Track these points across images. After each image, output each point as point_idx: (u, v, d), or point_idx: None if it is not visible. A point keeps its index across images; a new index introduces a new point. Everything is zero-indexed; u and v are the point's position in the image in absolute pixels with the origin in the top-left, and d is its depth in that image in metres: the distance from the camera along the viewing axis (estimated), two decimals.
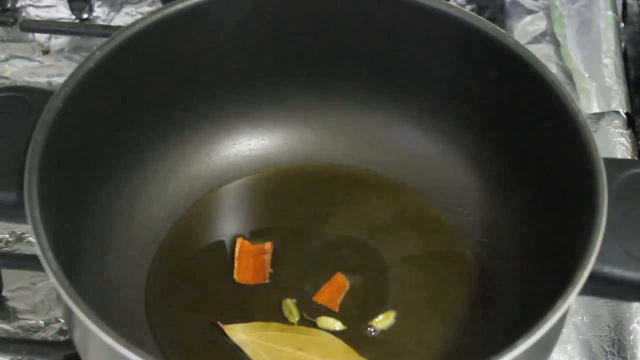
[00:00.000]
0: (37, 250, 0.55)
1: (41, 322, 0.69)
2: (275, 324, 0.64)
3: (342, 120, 0.72)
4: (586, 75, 0.84)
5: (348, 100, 0.72)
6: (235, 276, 0.66)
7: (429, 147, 0.71)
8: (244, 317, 0.64)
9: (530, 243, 0.65)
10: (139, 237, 0.67)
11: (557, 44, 0.86)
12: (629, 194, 0.60)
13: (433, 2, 0.66)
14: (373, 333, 0.65)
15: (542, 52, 0.84)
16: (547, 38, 0.86)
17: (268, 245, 0.68)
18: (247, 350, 0.63)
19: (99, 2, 0.89)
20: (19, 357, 0.67)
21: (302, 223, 0.69)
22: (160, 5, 0.87)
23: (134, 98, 0.66)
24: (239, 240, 0.67)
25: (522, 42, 0.76)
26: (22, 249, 0.73)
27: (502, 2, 0.88)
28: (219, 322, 0.63)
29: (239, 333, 0.63)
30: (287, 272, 0.67)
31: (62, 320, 0.69)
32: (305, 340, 0.63)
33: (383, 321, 0.65)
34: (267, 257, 0.67)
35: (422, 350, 0.64)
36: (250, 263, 0.67)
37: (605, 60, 0.84)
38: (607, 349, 0.68)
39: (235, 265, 0.66)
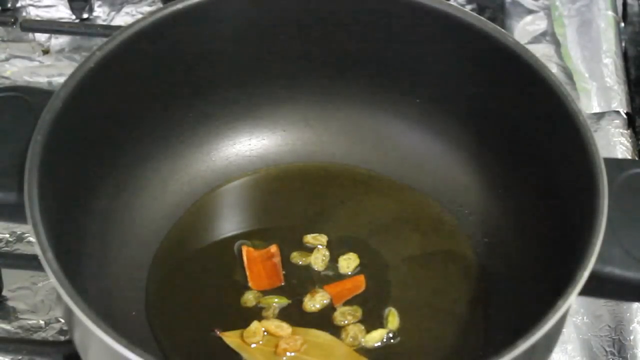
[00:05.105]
0: (37, 250, 0.55)
1: (41, 322, 0.69)
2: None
3: (342, 120, 0.72)
4: (586, 75, 0.83)
5: (348, 100, 0.72)
6: (250, 284, 0.66)
7: (429, 147, 0.71)
8: (244, 316, 0.64)
9: (530, 243, 0.65)
10: (139, 237, 0.67)
11: (557, 44, 0.86)
12: (629, 194, 0.60)
13: (433, 1, 0.66)
14: None
15: (542, 52, 0.84)
16: (547, 38, 0.86)
17: (274, 248, 0.67)
18: (246, 356, 0.62)
19: (99, 2, 0.89)
20: (19, 357, 0.67)
21: (303, 223, 0.69)
22: (160, 5, 0.87)
23: (134, 98, 0.66)
24: (244, 248, 0.67)
25: (522, 42, 0.76)
26: (22, 249, 0.73)
27: (502, 2, 0.88)
28: (216, 330, 0.63)
29: (236, 338, 0.63)
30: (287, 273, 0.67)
31: (62, 320, 0.69)
32: (304, 342, 0.63)
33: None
34: (277, 260, 0.67)
35: (422, 349, 0.64)
36: (261, 268, 0.66)
37: (606, 60, 0.84)
38: (607, 349, 0.68)
39: (247, 273, 0.66)
